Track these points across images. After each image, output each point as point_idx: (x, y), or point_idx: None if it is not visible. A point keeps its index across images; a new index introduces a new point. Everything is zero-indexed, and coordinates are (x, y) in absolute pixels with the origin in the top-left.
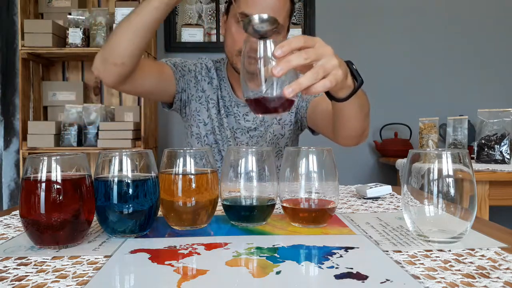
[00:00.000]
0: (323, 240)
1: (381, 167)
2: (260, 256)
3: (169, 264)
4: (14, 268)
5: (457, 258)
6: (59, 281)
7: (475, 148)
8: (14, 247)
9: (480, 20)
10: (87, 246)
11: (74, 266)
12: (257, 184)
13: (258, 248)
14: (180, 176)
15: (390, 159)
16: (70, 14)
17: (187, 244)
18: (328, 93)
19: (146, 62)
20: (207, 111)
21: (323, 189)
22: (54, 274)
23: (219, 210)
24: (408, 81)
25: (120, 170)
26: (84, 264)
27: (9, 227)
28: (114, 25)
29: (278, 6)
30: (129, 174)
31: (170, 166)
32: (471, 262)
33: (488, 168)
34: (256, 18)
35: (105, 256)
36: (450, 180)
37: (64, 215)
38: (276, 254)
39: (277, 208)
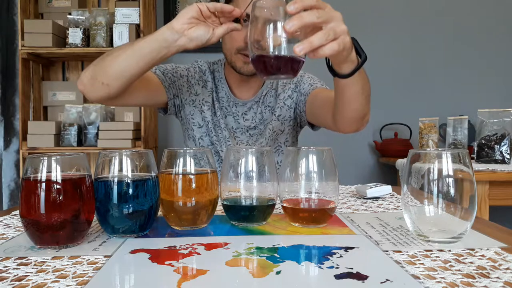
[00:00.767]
0: (323, 240)
1: (381, 167)
2: (260, 256)
3: (169, 264)
4: (14, 268)
5: (457, 258)
6: (59, 281)
7: (475, 148)
8: (14, 247)
9: (480, 20)
10: (87, 246)
11: (74, 266)
12: (257, 184)
13: (258, 248)
14: (180, 176)
15: (390, 159)
16: (70, 14)
17: (187, 244)
18: (332, 70)
19: None
20: (201, 113)
21: (323, 189)
22: (54, 274)
23: (219, 210)
24: (408, 81)
25: (120, 170)
26: (84, 264)
27: (9, 227)
28: (114, 25)
29: None
30: (129, 174)
31: (170, 166)
32: (471, 262)
33: (488, 168)
34: None
35: (105, 256)
36: (450, 180)
37: (64, 215)
38: (276, 254)
39: (277, 208)
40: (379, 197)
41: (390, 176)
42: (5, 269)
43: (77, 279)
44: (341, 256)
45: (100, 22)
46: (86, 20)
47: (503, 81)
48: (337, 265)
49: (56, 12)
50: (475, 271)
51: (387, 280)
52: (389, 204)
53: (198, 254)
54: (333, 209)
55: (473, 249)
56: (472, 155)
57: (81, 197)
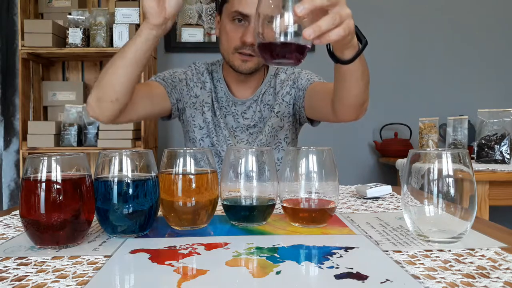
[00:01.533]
0: (323, 240)
1: (381, 167)
2: (260, 256)
3: (169, 264)
4: (14, 268)
5: (457, 258)
6: (59, 281)
7: (475, 148)
8: (14, 247)
9: (480, 20)
10: (87, 246)
11: (74, 266)
12: (257, 184)
13: (258, 248)
14: (180, 176)
15: (390, 159)
16: (70, 14)
17: (187, 244)
18: (333, 57)
19: (135, 89)
20: (202, 115)
21: (323, 189)
22: (54, 274)
23: (219, 210)
24: (408, 81)
25: (120, 170)
26: (84, 264)
27: (9, 227)
28: (114, 25)
29: None
30: (129, 174)
31: (170, 166)
32: (471, 262)
33: (488, 168)
34: None
35: (105, 256)
36: (450, 180)
37: (64, 215)
38: (276, 254)
39: (277, 208)
40: (379, 197)
41: (390, 176)
42: (5, 269)
43: (77, 279)
44: (341, 256)
45: (100, 22)
46: (86, 20)
47: (503, 81)
48: (337, 265)
49: (56, 12)
50: (475, 271)
51: (387, 280)
52: (389, 204)
53: (198, 254)
54: (333, 209)
55: (473, 249)
56: (472, 155)
57: (81, 197)
